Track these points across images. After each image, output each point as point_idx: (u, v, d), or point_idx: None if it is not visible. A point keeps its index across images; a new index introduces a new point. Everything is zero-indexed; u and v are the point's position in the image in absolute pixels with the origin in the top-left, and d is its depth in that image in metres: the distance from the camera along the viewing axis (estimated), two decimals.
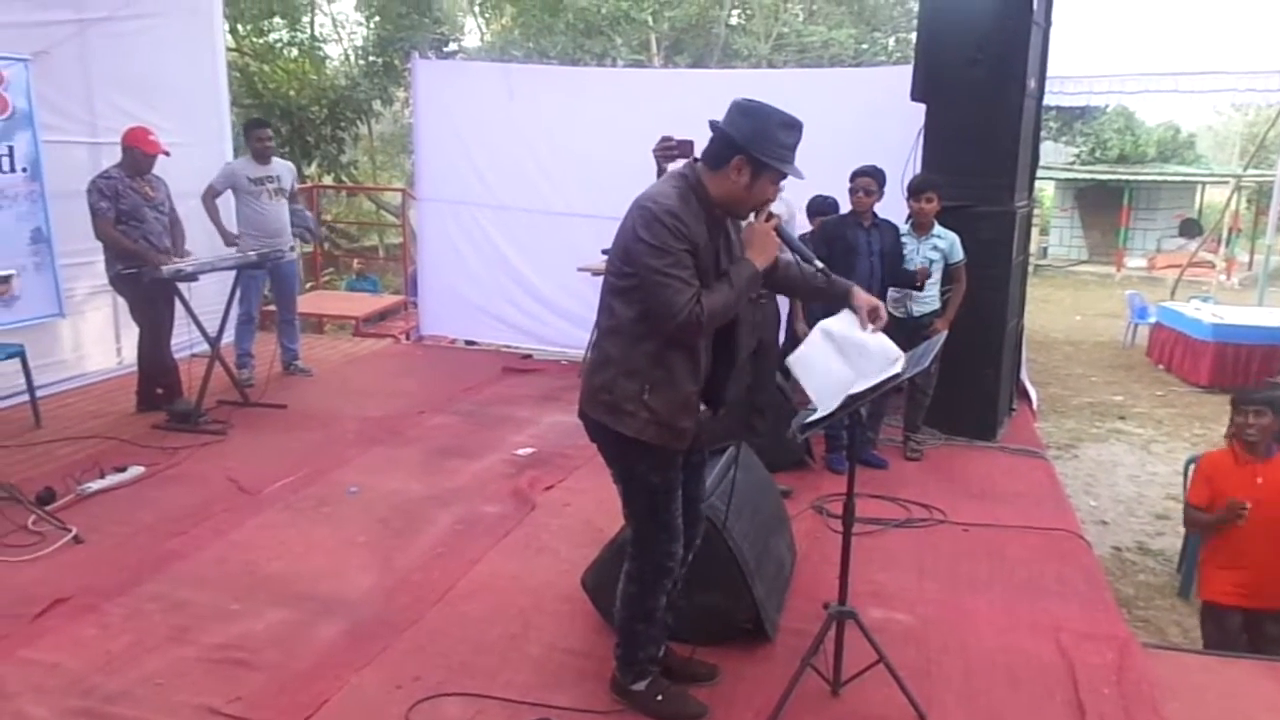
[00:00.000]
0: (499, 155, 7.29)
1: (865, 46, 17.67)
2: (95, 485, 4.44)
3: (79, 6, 6.05)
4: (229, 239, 6.15)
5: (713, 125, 2.47)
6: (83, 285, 6.12)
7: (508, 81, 7.26)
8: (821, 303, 2.68)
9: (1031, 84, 5.42)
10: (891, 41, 18.22)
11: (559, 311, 7.38)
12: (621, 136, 6.66)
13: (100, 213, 5.29)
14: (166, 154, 5.46)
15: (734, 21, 18.91)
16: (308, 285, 9.52)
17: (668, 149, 4.72)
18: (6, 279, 4.05)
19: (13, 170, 5.53)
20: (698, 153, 2.56)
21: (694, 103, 4.99)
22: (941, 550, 4.05)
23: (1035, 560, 3.95)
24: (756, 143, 2.38)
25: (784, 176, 2.47)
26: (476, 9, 16.97)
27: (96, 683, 2.92)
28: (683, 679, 2.90)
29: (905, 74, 5.65)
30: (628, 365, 2.53)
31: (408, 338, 8.13)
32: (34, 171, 5.63)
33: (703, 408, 2.62)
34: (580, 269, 6.57)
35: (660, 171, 4.79)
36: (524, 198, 7.29)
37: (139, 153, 5.35)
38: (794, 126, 2.42)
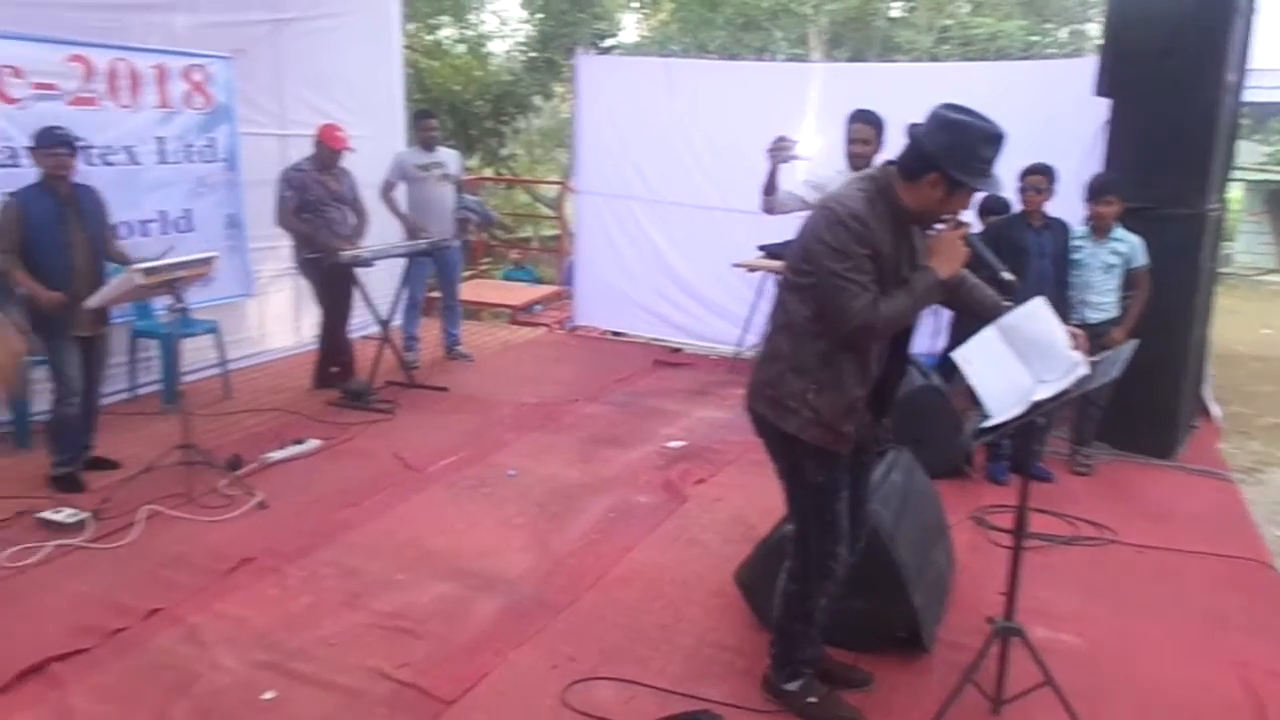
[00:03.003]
0: (657, 149, 7.35)
1: (1036, 39, 16.84)
2: (277, 455, 4.75)
3: (274, 7, 6.45)
4: (415, 227, 6.35)
5: (910, 133, 2.38)
6: (269, 268, 6.54)
7: (668, 76, 7.31)
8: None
9: (1230, 77, 5.04)
10: (1065, 33, 17.30)
11: (711, 306, 7.39)
12: (780, 130, 6.61)
13: (284, 201, 5.65)
14: (351, 150, 5.77)
15: (896, 14, 18.39)
16: (467, 274, 9.85)
17: (781, 148, 4.65)
18: (209, 260, 4.34)
19: (214, 160, 5.99)
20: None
21: (854, 97, 4.93)
22: (1112, 571, 3.84)
23: (1218, 589, 3.70)
24: (955, 160, 2.29)
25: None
26: (635, 4, 17.14)
27: (279, 639, 3.13)
28: (837, 684, 2.86)
29: (1081, 67, 5.37)
30: (796, 362, 2.51)
31: (561, 327, 8.31)
32: (232, 161, 6.08)
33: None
34: (735, 265, 6.55)
35: (773, 173, 4.72)
36: (680, 192, 7.33)
37: (326, 148, 5.69)
38: (996, 140, 2.31)
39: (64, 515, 3.89)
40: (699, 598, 3.47)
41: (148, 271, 4.04)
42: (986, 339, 2.48)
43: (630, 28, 17.59)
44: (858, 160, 4.47)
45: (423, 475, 4.62)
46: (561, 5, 13.75)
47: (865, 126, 4.52)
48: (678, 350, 7.44)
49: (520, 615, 3.32)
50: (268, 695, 2.83)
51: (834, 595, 2.71)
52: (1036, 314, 2.49)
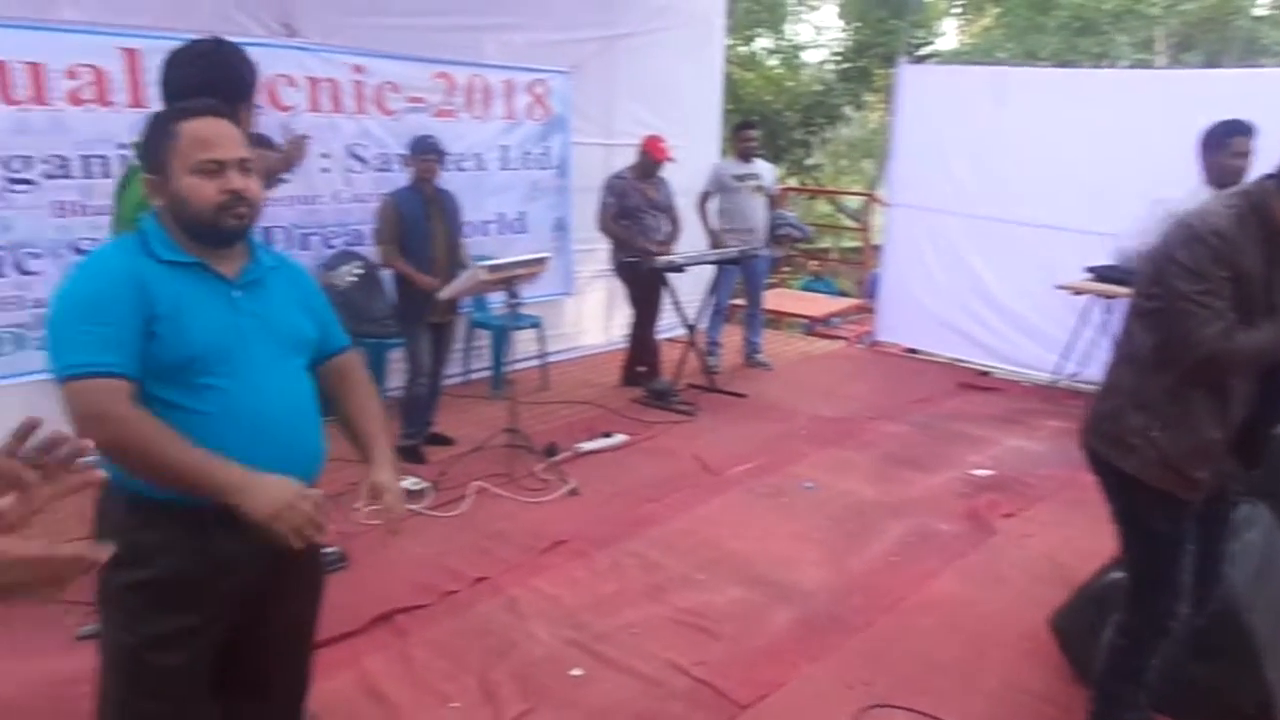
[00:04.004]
0: (979, 163, 7.02)
1: None
2: (588, 445, 5.06)
3: (608, 24, 6.86)
4: (717, 240, 6.58)
5: None
6: (587, 269, 6.97)
7: (994, 85, 6.96)
8: None
9: None
10: None
11: (1025, 329, 6.94)
12: (1119, 144, 6.11)
13: (606, 207, 6.00)
14: (672, 161, 6.02)
15: (1261, 12, 16.31)
16: (768, 283, 9.94)
17: None
18: (543, 260, 4.72)
19: (547, 167, 6.48)
20: None
21: (1208, 106, 4.42)
22: None
23: None
24: None
25: None
26: (956, 9, 16.48)
27: (586, 620, 3.34)
28: None
29: None
30: (1139, 397, 2.30)
31: (860, 341, 8.16)
32: (563, 168, 6.55)
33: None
34: (1059, 287, 6.11)
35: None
36: (1000, 208, 6.95)
37: (649, 158, 5.98)
38: None
39: (410, 483, 4.38)
40: (1004, 638, 3.28)
41: (491, 269, 4.46)
42: None
43: (950, 34, 16.94)
44: (1232, 176, 4.01)
45: (721, 478, 4.73)
46: (880, 13, 13.51)
47: (1247, 139, 4.06)
48: (985, 373, 7.07)
49: (815, 629, 3.31)
50: (576, 672, 3.03)
51: (1169, 658, 2.46)
52: None
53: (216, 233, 1.72)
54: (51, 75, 4.27)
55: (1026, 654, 3.18)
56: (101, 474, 1.17)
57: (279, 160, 3.26)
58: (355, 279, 4.90)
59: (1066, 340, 6.28)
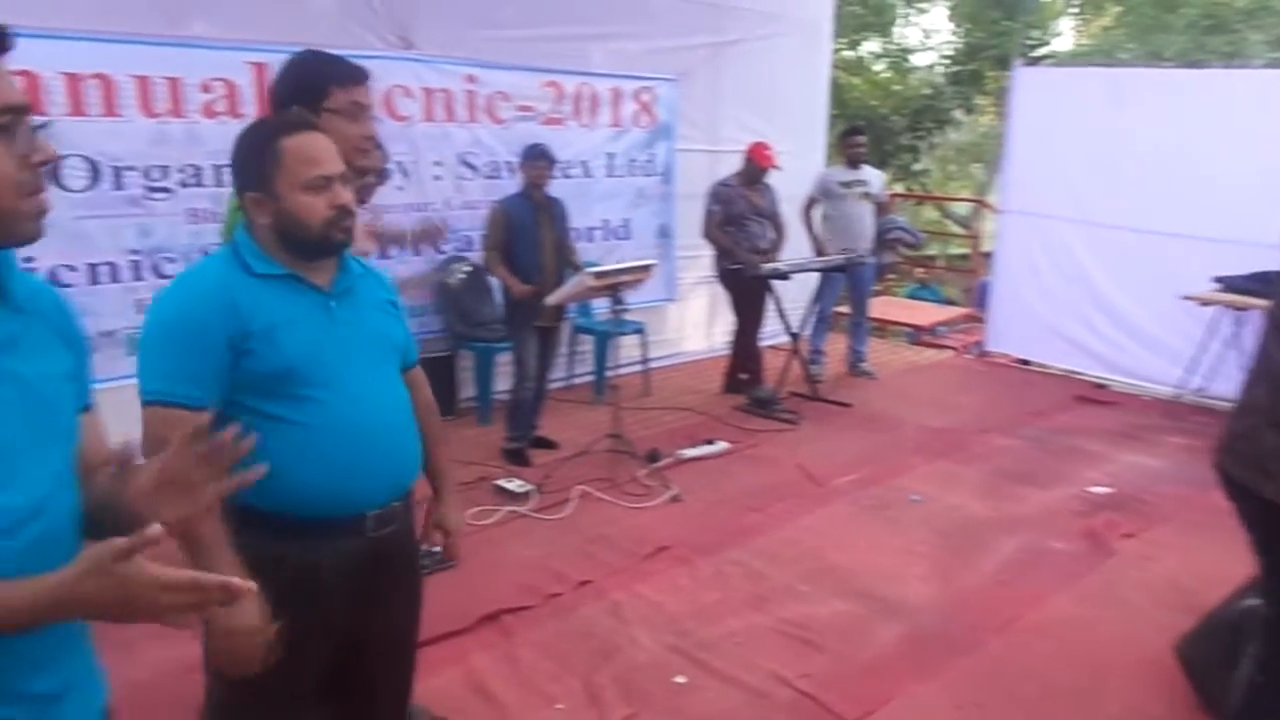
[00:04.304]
0: (1098, 168, 6.75)
1: None
2: (690, 452, 5.06)
3: (716, 32, 6.86)
4: (822, 247, 6.52)
5: None
6: (690, 275, 6.98)
7: (1116, 88, 6.69)
8: None
9: None
10: None
11: (1146, 341, 6.65)
12: (1251, 148, 5.81)
13: (710, 215, 6.00)
14: (778, 168, 5.98)
15: None
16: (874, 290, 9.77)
17: None
18: (649, 267, 4.76)
19: (652, 174, 6.52)
20: None
21: None
22: None
23: None
24: None
25: None
26: (1074, 9, 15.91)
27: (689, 628, 3.34)
28: None
29: None
30: (1275, 415, 2.18)
31: (969, 351, 7.95)
32: (668, 175, 6.59)
33: None
34: (1184, 298, 5.84)
35: None
36: (1121, 215, 6.67)
37: (755, 165, 5.96)
38: None
39: (515, 485, 4.47)
40: (1124, 663, 3.15)
41: (598, 275, 4.50)
42: None
43: (1067, 35, 16.37)
44: None
45: (825, 489, 4.67)
46: (993, 15, 13.14)
47: None
48: (1102, 386, 6.79)
49: (922, 647, 3.24)
50: (679, 679, 3.03)
51: None
52: None
53: (324, 247, 1.74)
54: (187, 89, 4.51)
55: (1148, 681, 3.04)
56: (260, 472, 1.23)
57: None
58: (465, 275, 5.01)
59: (1191, 353, 5.99)
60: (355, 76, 2.10)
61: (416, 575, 2.05)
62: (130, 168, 4.40)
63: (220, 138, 4.58)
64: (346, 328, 1.76)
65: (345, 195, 1.73)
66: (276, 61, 2.17)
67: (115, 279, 4.45)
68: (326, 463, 1.69)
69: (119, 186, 4.38)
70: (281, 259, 1.73)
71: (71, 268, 4.28)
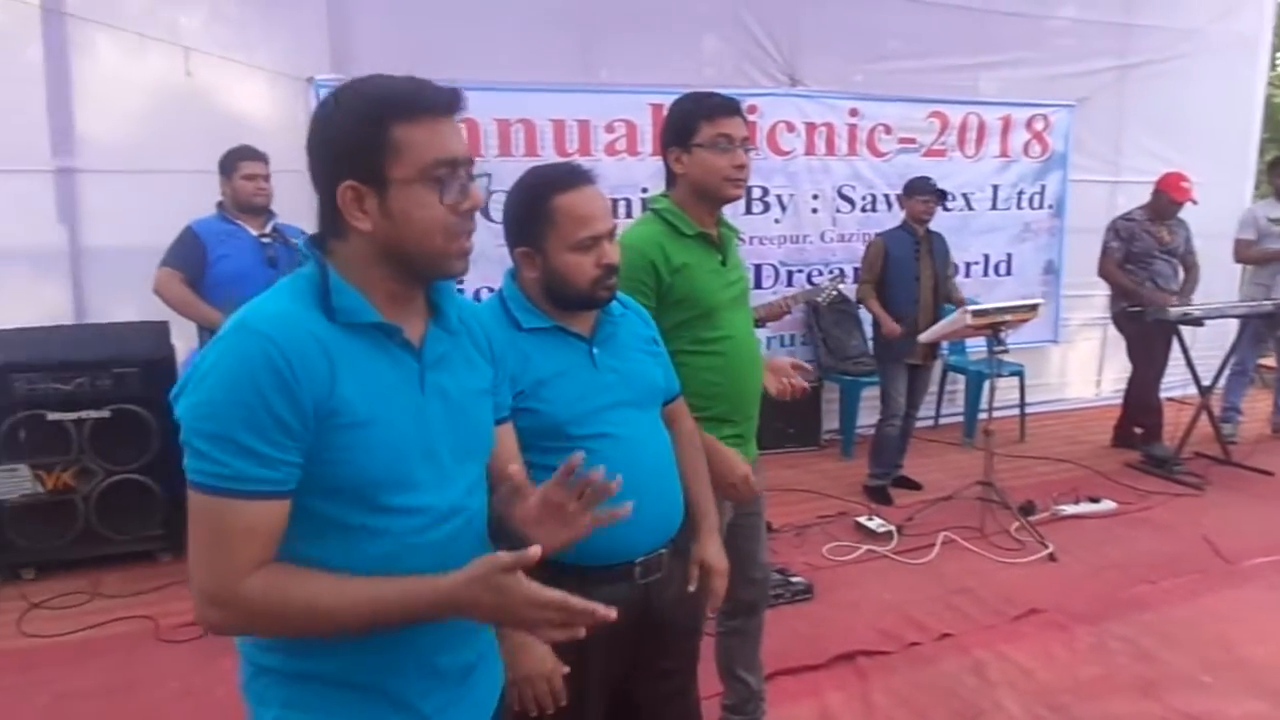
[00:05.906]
0: None
1: None
2: (1069, 509, 4.65)
3: (1121, 52, 6.29)
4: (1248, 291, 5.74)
5: None
6: (1078, 316, 6.44)
7: None
8: None
9: None
10: None
11: None
12: None
13: (1109, 252, 5.47)
14: (1194, 202, 5.33)
15: None
16: None
17: None
18: (1035, 307, 4.44)
19: (1040, 207, 6.11)
20: None
21: None
22: None
23: None
24: None
25: None
26: None
27: (1064, 702, 3.05)
28: None
29: None
30: None
31: None
32: (1058, 208, 6.15)
33: None
34: None
35: None
36: None
37: (1167, 198, 5.34)
38: None
39: (876, 524, 4.37)
40: None
41: (977, 313, 4.29)
42: None
43: None
44: None
45: (1236, 568, 4.06)
46: None
47: None
48: None
49: None
50: None
51: None
52: None
53: (589, 304, 1.75)
54: (595, 130, 4.96)
55: None
56: (626, 510, 1.32)
57: None
58: (835, 293, 4.95)
59: None
60: (722, 110, 2.15)
61: (692, 622, 2.03)
62: None
63: (618, 174, 5.00)
64: (610, 374, 1.77)
65: (613, 254, 1.74)
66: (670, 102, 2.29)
67: None
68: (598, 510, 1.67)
69: None
70: (546, 309, 1.75)
71: (492, 289, 4.86)
